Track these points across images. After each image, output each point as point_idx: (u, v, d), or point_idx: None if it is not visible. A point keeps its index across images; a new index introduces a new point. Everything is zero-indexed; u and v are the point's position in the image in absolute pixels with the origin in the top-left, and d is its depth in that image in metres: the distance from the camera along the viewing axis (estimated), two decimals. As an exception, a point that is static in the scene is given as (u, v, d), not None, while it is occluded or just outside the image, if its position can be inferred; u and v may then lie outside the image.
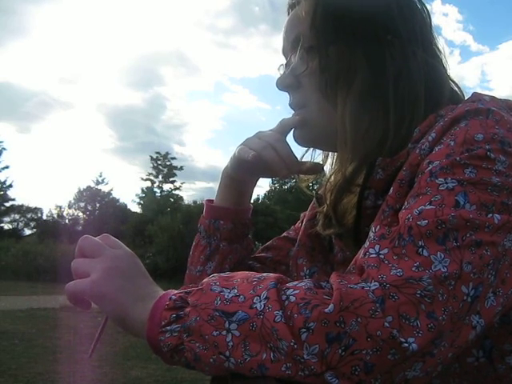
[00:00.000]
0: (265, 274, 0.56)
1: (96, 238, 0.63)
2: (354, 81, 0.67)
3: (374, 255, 0.53)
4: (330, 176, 0.78)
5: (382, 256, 0.52)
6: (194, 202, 17.68)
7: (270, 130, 0.77)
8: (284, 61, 0.78)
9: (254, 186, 0.86)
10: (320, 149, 0.80)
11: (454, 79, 0.72)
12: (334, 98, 0.68)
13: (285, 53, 0.77)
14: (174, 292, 0.57)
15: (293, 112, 0.76)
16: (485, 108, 0.59)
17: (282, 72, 0.77)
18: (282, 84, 0.75)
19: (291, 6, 0.77)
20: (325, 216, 0.77)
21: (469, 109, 0.59)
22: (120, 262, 0.60)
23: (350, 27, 0.68)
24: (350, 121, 0.66)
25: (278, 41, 0.80)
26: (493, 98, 0.63)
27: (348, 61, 0.67)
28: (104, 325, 0.62)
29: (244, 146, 0.76)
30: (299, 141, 0.76)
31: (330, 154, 0.81)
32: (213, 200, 0.87)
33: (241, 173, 0.80)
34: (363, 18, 0.68)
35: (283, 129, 0.76)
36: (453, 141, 0.57)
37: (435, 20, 0.75)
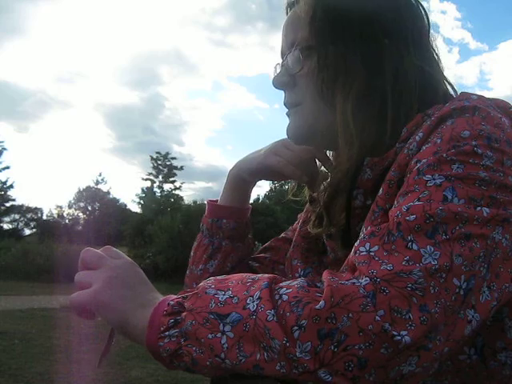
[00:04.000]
0: (259, 275, 0.56)
1: (98, 250, 0.64)
2: (352, 81, 0.67)
3: (364, 253, 0.53)
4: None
5: (372, 253, 0.52)
6: (194, 202, 17.64)
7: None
8: (280, 60, 0.78)
9: (253, 186, 0.90)
10: (310, 145, 0.81)
11: (453, 78, 0.73)
12: (331, 98, 0.68)
13: (283, 53, 0.77)
14: (172, 297, 0.57)
15: (287, 110, 0.76)
16: (471, 105, 0.59)
17: (278, 71, 0.78)
18: (278, 82, 0.75)
19: (290, 5, 0.77)
20: (317, 216, 0.78)
21: (455, 107, 0.59)
22: (121, 272, 0.60)
23: (348, 28, 0.68)
24: (354, 120, 0.66)
25: (276, 39, 0.80)
26: (480, 96, 0.63)
27: (346, 61, 0.67)
28: (111, 335, 0.62)
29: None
30: (292, 136, 0.76)
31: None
32: (215, 200, 0.90)
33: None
34: (362, 19, 0.68)
35: None
36: (439, 139, 0.57)
37: (433, 17, 0.75)
